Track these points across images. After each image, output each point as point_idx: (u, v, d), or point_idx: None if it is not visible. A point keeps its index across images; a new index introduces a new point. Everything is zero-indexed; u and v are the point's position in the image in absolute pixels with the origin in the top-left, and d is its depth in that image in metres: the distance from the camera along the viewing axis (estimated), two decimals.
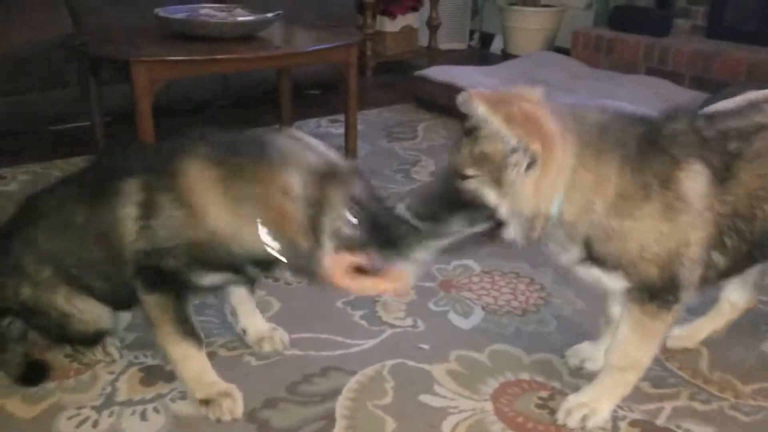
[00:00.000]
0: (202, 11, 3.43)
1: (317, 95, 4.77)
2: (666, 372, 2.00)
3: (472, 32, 6.61)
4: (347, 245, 1.59)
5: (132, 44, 3.12)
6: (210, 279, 1.77)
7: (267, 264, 1.71)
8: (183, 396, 1.85)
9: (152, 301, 1.77)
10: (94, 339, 1.96)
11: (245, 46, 3.11)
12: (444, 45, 6.04)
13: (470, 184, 1.56)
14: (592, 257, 1.62)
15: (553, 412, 1.83)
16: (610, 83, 4.49)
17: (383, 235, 1.60)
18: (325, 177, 1.58)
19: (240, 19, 3.26)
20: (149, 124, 2.94)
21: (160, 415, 1.79)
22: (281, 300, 2.28)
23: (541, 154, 1.49)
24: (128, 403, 1.83)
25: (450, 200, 1.59)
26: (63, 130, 3.94)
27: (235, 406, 1.78)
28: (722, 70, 4.38)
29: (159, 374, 1.94)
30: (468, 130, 1.56)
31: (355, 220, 1.58)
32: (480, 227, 1.60)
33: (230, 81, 4.18)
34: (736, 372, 2.00)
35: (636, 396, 1.89)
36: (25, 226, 1.90)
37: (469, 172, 1.55)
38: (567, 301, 2.35)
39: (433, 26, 5.63)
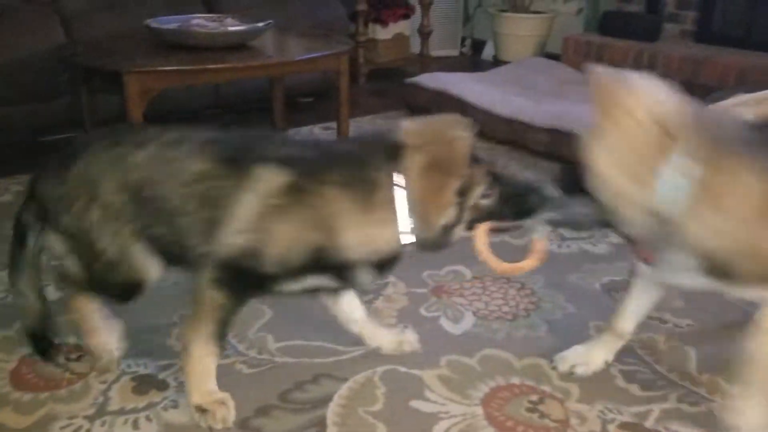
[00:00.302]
0: (194, 21, 3.45)
1: (310, 103, 4.79)
2: (655, 374, 2.02)
3: (463, 39, 6.65)
4: (485, 216, 1.74)
5: (123, 55, 3.14)
6: (300, 285, 1.75)
7: (382, 266, 1.75)
8: (175, 404, 1.86)
9: (213, 298, 1.72)
10: (132, 290, 1.86)
11: (236, 56, 3.13)
12: (436, 52, 6.07)
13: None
14: (720, 271, 1.54)
15: (542, 415, 1.84)
16: None
17: (517, 203, 1.74)
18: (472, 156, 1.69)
19: (231, 28, 3.29)
20: None
21: (153, 423, 1.79)
22: (273, 307, 2.29)
23: (678, 154, 1.47)
24: (120, 412, 1.84)
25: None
26: (55, 140, 3.95)
27: (228, 414, 1.79)
28: (712, 75, 4.42)
29: (151, 383, 1.94)
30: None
31: (491, 192, 1.72)
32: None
33: (222, 90, 4.20)
34: (725, 373, 2.02)
35: (625, 398, 1.92)
36: (129, 146, 1.78)
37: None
38: (557, 306, 2.36)
39: (424, 33, 5.66)
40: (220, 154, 1.72)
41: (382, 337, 2.08)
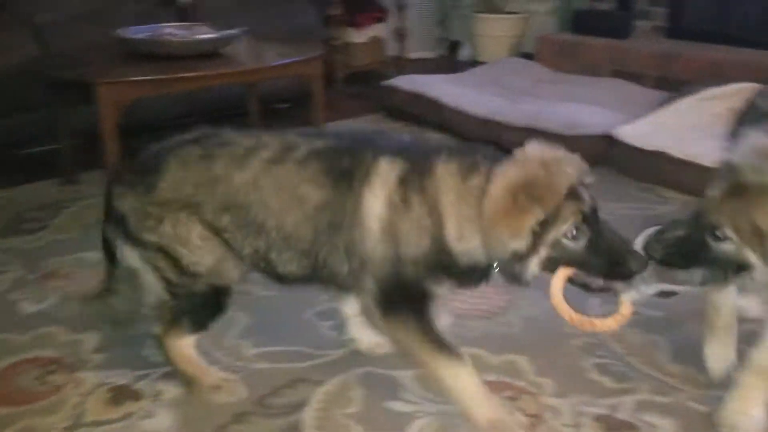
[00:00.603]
0: (166, 30, 3.46)
1: (287, 108, 4.79)
2: (627, 366, 2.04)
3: (440, 40, 6.69)
4: (565, 259, 1.60)
5: (96, 66, 3.14)
6: (444, 287, 1.70)
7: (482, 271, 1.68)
8: (150, 415, 1.86)
9: (402, 326, 1.69)
10: (220, 300, 1.83)
11: (209, 63, 3.14)
12: (413, 54, 6.11)
13: (727, 246, 1.58)
14: None
15: (518, 410, 1.86)
16: (574, 86, 4.57)
17: (606, 259, 1.60)
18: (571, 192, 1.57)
19: (203, 36, 3.30)
20: (114, 144, 2.95)
21: None
22: (249, 314, 2.30)
23: None
24: (97, 423, 1.84)
25: (693, 250, 1.62)
26: (31, 153, 3.93)
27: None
28: (683, 70, 4.47)
29: (127, 394, 1.94)
30: (734, 187, 1.55)
31: (578, 236, 1.58)
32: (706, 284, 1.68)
33: (197, 98, 4.19)
34: (695, 364, 2.04)
35: (598, 391, 1.94)
36: (226, 163, 1.72)
37: (729, 234, 1.56)
38: (533, 303, 2.38)
39: (400, 36, 5.69)
40: (331, 170, 1.66)
41: (365, 333, 2.09)
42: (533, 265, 1.59)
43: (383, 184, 1.63)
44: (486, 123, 4.05)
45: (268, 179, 1.69)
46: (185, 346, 1.89)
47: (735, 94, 3.76)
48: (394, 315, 1.68)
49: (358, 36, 5.51)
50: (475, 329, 2.24)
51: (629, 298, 1.73)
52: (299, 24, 4.69)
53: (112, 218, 1.82)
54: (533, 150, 1.62)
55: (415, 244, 1.62)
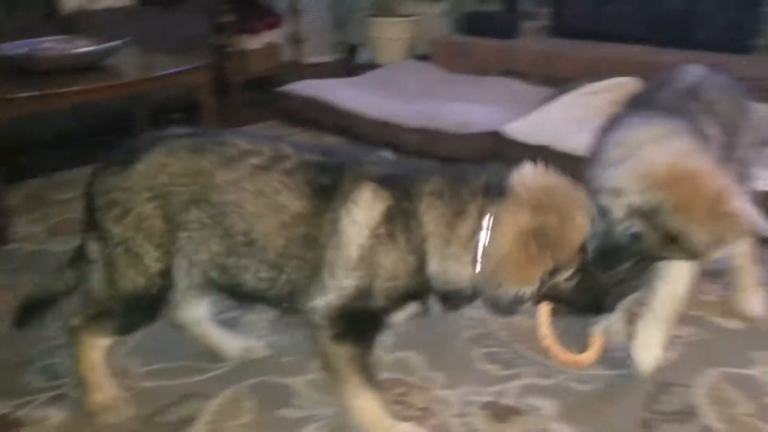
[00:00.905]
0: (44, 45, 3.33)
1: (181, 119, 4.69)
2: (513, 353, 2.13)
3: (339, 44, 6.72)
4: (559, 298, 1.63)
5: None
6: (403, 315, 1.67)
7: (452, 299, 1.64)
8: None
9: (342, 354, 1.64)
10: (155, 307, 1.77)
11: (88, 77, 3.04)
12: (311, 59, 6.11)
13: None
14: None
15: (408, 406, 1.91)
16: (467, 86, 4.70)
17: (590, 297, 1.64)
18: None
19: (81, 50, 3.19)
20: None
21: None
22: (136, 334, 2.23)
23: None
24: None
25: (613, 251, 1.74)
26: None
27: None
28: (566, 67, 4.66)
29: (7, 422, 1.86)
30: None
31: (573, 277, 1.59)
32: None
33: (82, 112, 4.04)
34: (576, 346, 2.15)
35: (485, 379, 2.02)
36: (214, 160, 1.66)
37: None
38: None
39: (296, 41, 5.68)
40: (314, 184, 1.62)
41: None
42: (528, 302, 1.57)
43: (367, 213, 1.58)
44: (382, 125, 4.11)
45: (251, 183, 1.64)
46: (98, 348, 1.82)
47: (615, 88, 3.97)
48: (342, 342, 1.65)
49: (253, 42, 5.45)
50: None
51: (601, 329, 1.92)
52: (190, 33, 4.61)
53: (86, 208, 1.75)
54: (533, 180, 1.56)
55: (394, 278, 1.59)
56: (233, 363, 2.09)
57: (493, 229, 1.52)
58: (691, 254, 1.74)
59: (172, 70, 3.21)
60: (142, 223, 1.66)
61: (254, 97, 5.26)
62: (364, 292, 1.59)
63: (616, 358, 2.08)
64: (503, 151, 3.74)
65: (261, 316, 2.33)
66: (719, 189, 1.68)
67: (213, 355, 2.09)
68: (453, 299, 1.64)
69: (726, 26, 4.54)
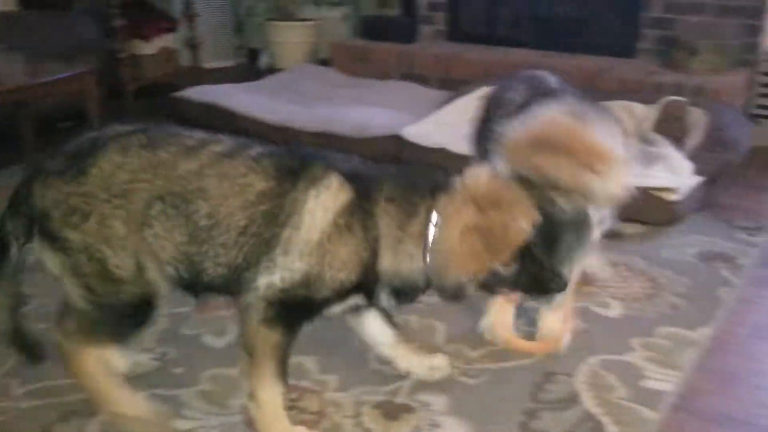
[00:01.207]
0: None
1: (70, 127, 4.51)
2: None
3: (239, 49, 6.64)
4: (499, 283, 1.69)
5: None
6: (342, 307, 1.72)
7: (403, 294, 1.72)
8: None
9: (268, 338, 1.66)
10: (144, 311, 1.69)
11: None
12: (211, 64, 6.01)
13: None
14: None
15: (301, 411, 1.92)
16: (366, 90, 4.75)
17: (536, 282, 1.70)
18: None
19: None
20: None
21: None
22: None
23: None
24: None
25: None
26: None
27: None
28: (462, 70, 4.80)
29: None
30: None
31: (514, 265, 1.65)
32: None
33: None
34: (466, 341, 2.22)
35: (378, 379, 2.05)
36: (172, 152, 1.63)
37: None
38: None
39: (193, 46, 5.57)
40: (281, 167, 1.64)
41: (414, 362, 2.04)
42: (471, 290, 1.68)
43: (333, 201, 1.62)
44: (281, 130, 4.09)
45: (214, 169, 1.63)
46: (104, 360, 1.73)
47: None
48: (273, 327, 1.66)
49: (147, 48, 5.31)
50: None
51: (548, 313, 2.09)
52: (78, 38, 4.44)
53: (23, 214, 1.63)
54: (484, 184, 1.66)
55: (344, 269, 1.64)
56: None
57: (440, 225, 1.63)
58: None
59: (55, 77, 3.09)
60: (103, 227, 1.60)
61: (149, 104, 5.11)
62: (311, 279, 1.63)
63: (503, 351, 2.17)
64: (402, 154, 3.81)
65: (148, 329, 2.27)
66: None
67: None
68: (407, 293, 1.72)
69: (610, 31, 4.81)
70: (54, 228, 1.61)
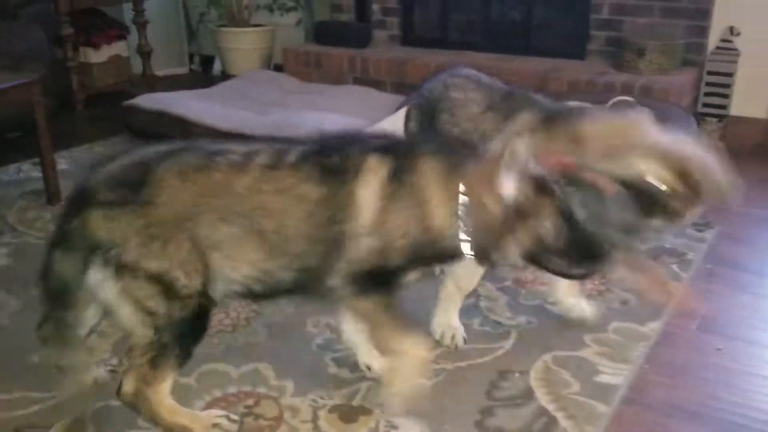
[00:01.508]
0: None
1: (18, 138, 4.40)
2: None
3: (192, 56, 6.57)
4: (544, 249, 1.67)
5: None
6: (416, 274, 1.77)
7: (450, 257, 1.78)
8: None
9: (371, 306, 1.76)
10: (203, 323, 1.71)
11: None
12: (163, 71, 5.93)
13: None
14: None
15: (257, 417, 1.91)
16: (319, 96, 4.75)
17: (580, 251, 1.67)
18: (541, 187, 1.63)
19: None
20: None
21: None
22: None
23: None
24: None
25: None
26: None
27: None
28: (415, 74, 4.83)
29: None
30: None
31: (556, 232, 1.64)
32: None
33: None
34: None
35: (335, 383, 2.05)
36: (225, 170, 1.65)
37: None
38: (278, 310, 2.44)
39: (144, 53, 5.49)
40: (324, 169, 1.67)
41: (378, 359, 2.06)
42: (512, 252, 1.70)
43: (375, 179, 1.67)
44: (233, 136, 4.06)
45: (267, 183, 1.64)
46: (167, 393, 1.74)
47: None
48: (366, 296, 1.73)
49: (97, 56, 5.21)
50: (217, 346, 2.23)
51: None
52: (26, 47, 4.35)
53: (78, 248, 1.59)
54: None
55: (404, 234, 1.69)
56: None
57: (469, 194, 1.69)
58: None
59: (1, 87, 3.01)
60: (179, 252, 1.61)
61: (100, 113, 5.02)
62: (380, 252, 1.68)
63: (459, 351, 2.19)
64: None
65: (103, 340, 2.24)
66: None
67: (50, 384, 1.98)
68: (482, 252, 1.74)
69: (560, 34, 4.90)
70: (128, 258, 1.59)
